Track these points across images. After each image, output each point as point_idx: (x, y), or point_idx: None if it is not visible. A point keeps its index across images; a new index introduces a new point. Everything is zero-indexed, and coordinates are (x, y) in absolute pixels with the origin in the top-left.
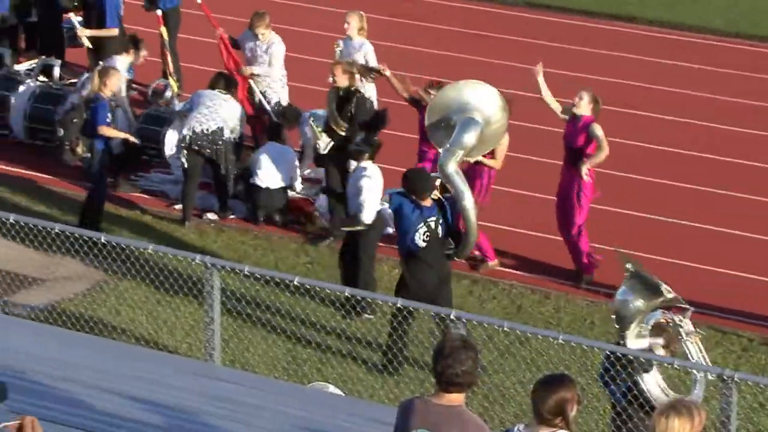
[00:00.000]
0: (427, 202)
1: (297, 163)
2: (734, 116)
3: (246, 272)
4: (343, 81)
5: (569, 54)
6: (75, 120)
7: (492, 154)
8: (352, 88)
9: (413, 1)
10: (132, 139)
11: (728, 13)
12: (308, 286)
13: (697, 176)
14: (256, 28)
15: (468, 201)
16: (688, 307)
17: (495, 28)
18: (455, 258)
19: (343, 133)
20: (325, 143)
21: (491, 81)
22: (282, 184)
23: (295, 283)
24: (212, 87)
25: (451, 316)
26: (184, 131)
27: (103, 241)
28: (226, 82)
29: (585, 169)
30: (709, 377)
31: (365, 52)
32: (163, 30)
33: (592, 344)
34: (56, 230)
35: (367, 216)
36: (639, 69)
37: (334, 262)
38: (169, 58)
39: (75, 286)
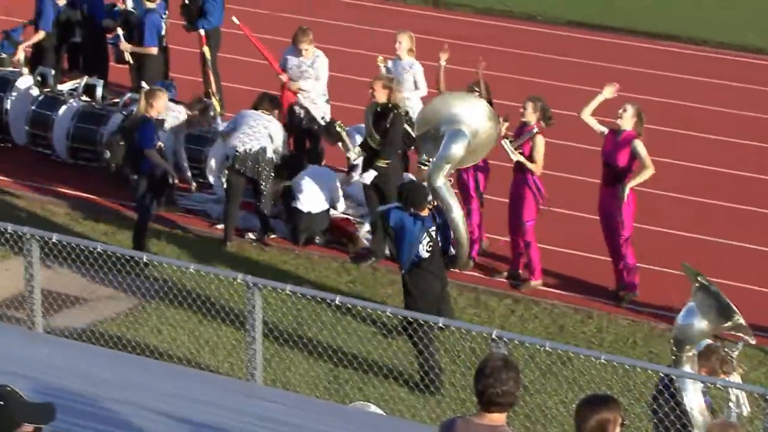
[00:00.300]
0: (425, 213)
1: (338, 184)
2: None
3: (288, 291)
4: (381, 97)
5: (615, 73)
6: (121, 143)
7: (530, 158)
8: (390, 104)
9: (453, 21)
10: (171, 172)
11: None
12: (350, 305)
13: (736, 195)
14: (300, 43)
15: (456, 213)
16: (749, 339)
17: (536, 47)
18: (453, 269)
19: (376, 147)
20: (356, 154)
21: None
22: (324, 207)
23: (337, 302)
24: (256, 107)
25: (493, 336)
26: (227, 151)
27: (145, 260)
28: (270, 102)
29: (626, 191)
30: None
31: (415, 73)
32: (206, 49)
33: (634, 364)
34: (98, 250)
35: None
36: (691, 89)
37: (376, 280)
38: (212, 78)
39: (117, 305)
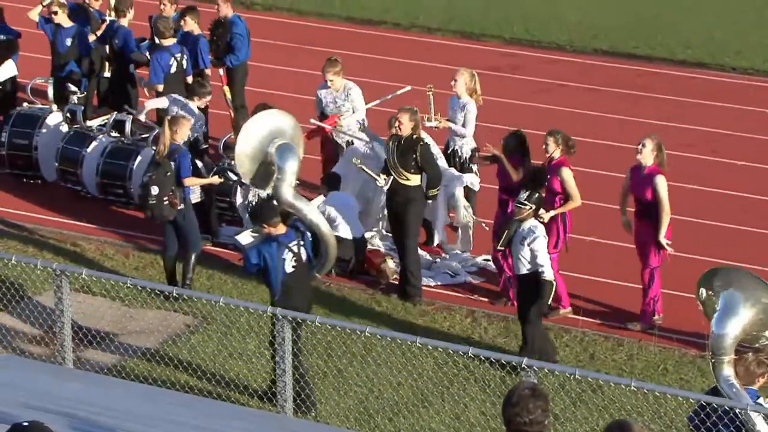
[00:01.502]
0: (281, 230)
1: (357, 211)
2: None
3: (317, 323)
4: (407, 129)
5: (653, 102)
6: (168, 173)
7: (565, 200)
8: (414, 136)
9: (512, 57)
10: (214, 181)
11: None
12: (379, 336)
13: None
14: (326, 74)
15: (314, 217)
16: None
17: (567, 77)
18: (317, 273)
19: (408, 183)
20: (384, 181)
21: (567, 129)
22: (350, 235)
23: (366, 333)
24: None
25: (523, 364)
26: (249, 197)
27: (174, 294)
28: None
29: (662, 240)
30: None
31: (467, 112)
32: (226, 89)
33: (664, 390)
34: (128, 284)
35: (549, 274)
36: (723, 116)
37: (406, 311)
38: (232, 115)
39: (147, 340)
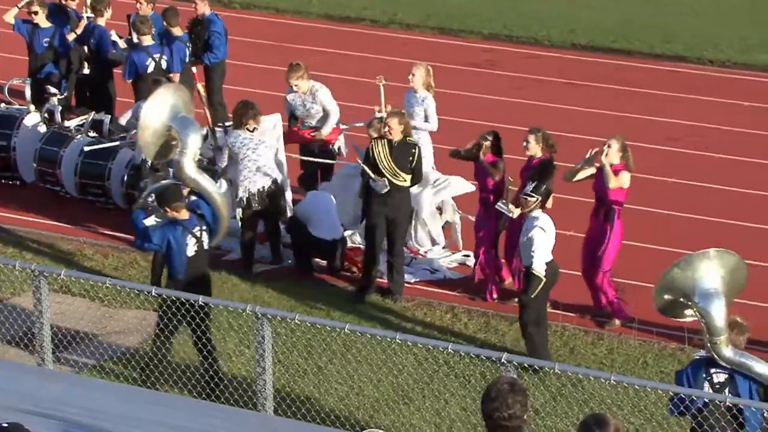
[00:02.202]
0: (185, 215)
1: (335, 211)
2: None
3: (297, 321)
4: (398, 133)
5: (611, 93)
6: (160, 173)
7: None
8: (409, 140)
9: (490, 52)
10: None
11: None
12: (359, 333)
13: (748, 214)
14: (289, 80)
15: (215, 194)
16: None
17: (540, 70)
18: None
19: (405, 184)
20: (383, 185)
21: (546, 124)
22: (332, 233)
23: (346, 330)
24: (239, 124)
25: (502, 360)
26: (240, 192)
27: (153, 293)
28: (251, 110)
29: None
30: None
31: (427, 106)
32: (200, 86)
33: (644, 384)
34: (107, 284)
35: (539, 268)
36: (698, 109)
37: (385, 308)
38: (207, 113)
39: (127, 339)
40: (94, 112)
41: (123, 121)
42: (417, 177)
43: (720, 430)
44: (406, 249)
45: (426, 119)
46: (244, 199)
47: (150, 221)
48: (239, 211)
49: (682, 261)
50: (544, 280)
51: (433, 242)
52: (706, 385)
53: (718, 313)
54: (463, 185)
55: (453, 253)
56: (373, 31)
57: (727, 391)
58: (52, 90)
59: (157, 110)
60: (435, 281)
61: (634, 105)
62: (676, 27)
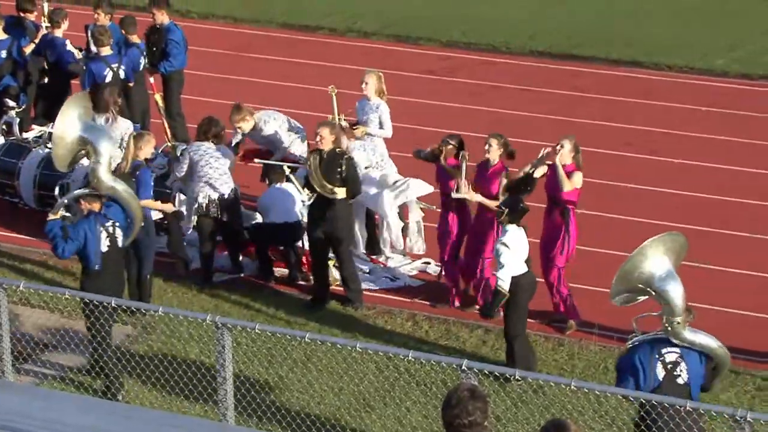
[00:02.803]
0: (97, 208)
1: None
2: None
3: (257, 330)
4: (329, 144)
5: (576, 101)
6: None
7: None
8: (338, 150)
9: (448, 59)
10: (171, 208)
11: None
12: (320, 342)
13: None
14: (233, 123)
15: (131, 199)
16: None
17: (499, 77)
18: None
19: (337, 196)
20: (308, 196)
21: (503, 131)
22: (289, 217)
23: (307, 339)
24: (202, 137)
25: (463, 367)
26: (200, 199)
27: (113, 305)
28: (215, 127)
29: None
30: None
31: (381, 113)
32: (158, 97)
33: (605, 390)
34: (67, 296)
35: (501, 282)
36: (658, 114)
37: (346, 316)
38: (165, 123)
39: (88, 351)
40: (52, 124)
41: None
42: (353, 187)
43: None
44: (368, 258)
45: (380, 126)
46: (204, 205)
47: (63, 214)
48: (195, 219)
49: (635, 254)
50: (507, 295)
51: (392, 246)
52: (659, 365)
53: (677, 294)
54: (423, 186)
55: (414, 261)
56: (332, 39)
57: (680, 369)
58: (11, 103)
59: (68, 123)
60: (396, 289)
61: (591, 110)
62: (635, 33)
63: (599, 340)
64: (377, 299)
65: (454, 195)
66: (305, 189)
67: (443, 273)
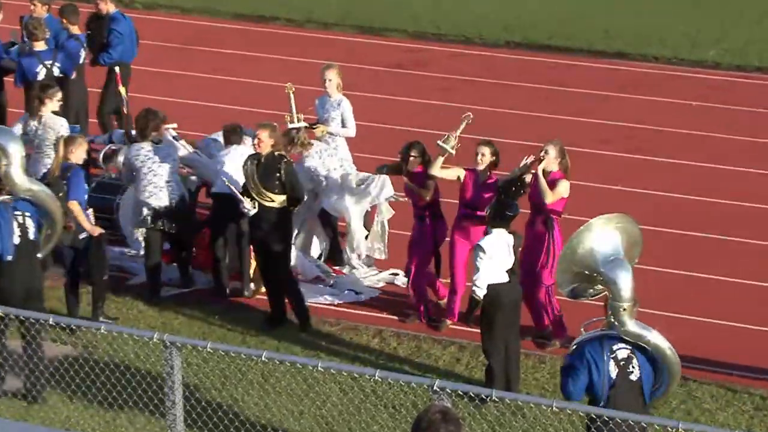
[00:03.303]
0: (8, 199)
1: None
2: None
3: (209, 349)
4: (267, 147)
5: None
6: (60, 194)
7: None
8: (277, 154)
9: (416, 52)
10: (96, 231)
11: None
12: (278, 362)
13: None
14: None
15: (51, 201)
16: None
17: (474, 71)
18: (41, 253)
19: (274, 205)
20: (251, 205)
21: (477, 128)
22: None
23: (263, 359)
24: (143, 134)
25: (434, 387)
26: (144, 211)
27: (51, 322)
28: (161, 122)
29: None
30: None
31: (343, 110)
32: (122, 89)
33: (588, 411)
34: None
35: (477, 289)
36: (644, 110)
37: (307, 333)
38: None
39: (23, 373)
40: None
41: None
42: (295, 194)
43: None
44: (330, 269)
45: (343, 124)
46: (149, 218)
47: None
48: (142, 231)
49: (575, 236)
50: (480, 301)
51: (355, 251)
52: (612, 362)
53: (625, 278)
54: (386, 188)
55: (380, 272)
56: (288, 31)
57: (632, 366)
58: None
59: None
60: (361, 303)
61: (569, 106)
62: (618, 22)
63: None
64: (341, 314)
65: (438, 143)
66: (244, 196)
67: (409, 286)
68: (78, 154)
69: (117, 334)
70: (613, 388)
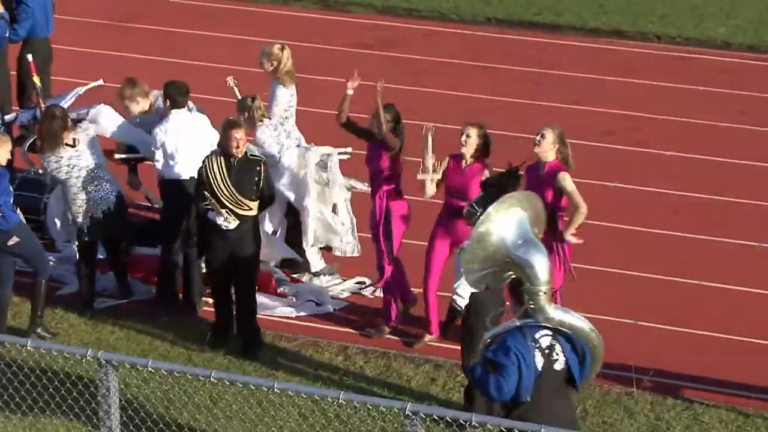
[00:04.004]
0: None
1: None
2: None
3: (150, 368)
4: (243, 149)
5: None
6: None
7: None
8: (251, 156)
9: (384, 29)
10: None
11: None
12: (228, 383)
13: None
14: (124, 99)
15: None
16: None
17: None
18: None
19: (249, 213)
20: (228, 221)
21: (456, 116)
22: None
23: (212, 379)
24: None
25: (406, 411)
26: (79, 219)
27: None
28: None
29: (569, 237)
30: None
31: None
32: (36, 79)
33: None
34: None
35: (459, 296)
36: (652, 96)
37: (263, 348)
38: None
39: None
40: None
41: None
42: (268, 200)
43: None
44: (288, 278)
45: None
46: (85, 227)
47: None
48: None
49: (479, 227)
50: (461, 312)
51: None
52: (538, 353)
53: (541, 260)
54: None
55: (344, 280)
56: (241, 6)
57: (556, 353)
58: None
59: None
60: (323, 316)
61: (561, 92)
62: None
63: None
64: (300, 329)
65: (418, 176)
66: (223, 210)
67: (380, 285)
68: (0, 154)
69: (45, 351)
70: (540, 379)
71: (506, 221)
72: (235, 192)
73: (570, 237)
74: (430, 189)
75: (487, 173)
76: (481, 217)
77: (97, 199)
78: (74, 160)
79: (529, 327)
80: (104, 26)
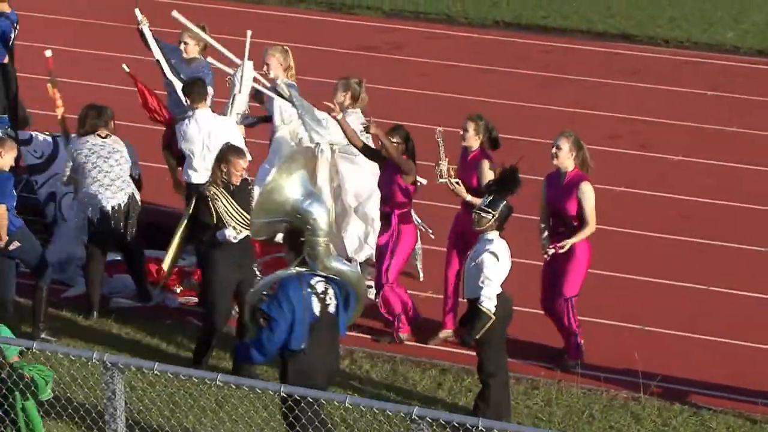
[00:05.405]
0: None
1: None
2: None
3: (156, 371)
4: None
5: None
6: None
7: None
8: (243, 177)
9: (391, 32)
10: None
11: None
12: (234, 386)
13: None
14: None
15: None
16: None
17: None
18: None
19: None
20: (236, 233)
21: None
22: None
23: (218, 382)
24: (90, 130)
25: (413, 415)
26: (89, 212)
27: None
28: (103, 115)
29: (567, 246)
30: None
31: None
32: (50, 85)
33: None
34: None
35: (487, 301)
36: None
37: None
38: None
39: None
40: None
41: None
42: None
43: None
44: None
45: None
46: (95, 220)
47: None
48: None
49: (265, 191)
50: (493, 318)
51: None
52: (315, 299)
53: (322, 212)
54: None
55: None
56: (242, 8)
57: (329, 297)
58: None
59: None
60: None
61: (568, 95)
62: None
63: (583, 382)
64: None
65: (438, 180)
66: (233, 224)
67: (378, 299)
68: (7, 159)
69: (51, 353)
70: (316, 323)
71: (292, 184)
72: (245, 214)
73: (556, 247)
74: (459, 190)
75: (487, 164)
76: (266, 187)
77: (106, 194)
78: (99, 149)
79: (305, 275)
80: (64, 22)
